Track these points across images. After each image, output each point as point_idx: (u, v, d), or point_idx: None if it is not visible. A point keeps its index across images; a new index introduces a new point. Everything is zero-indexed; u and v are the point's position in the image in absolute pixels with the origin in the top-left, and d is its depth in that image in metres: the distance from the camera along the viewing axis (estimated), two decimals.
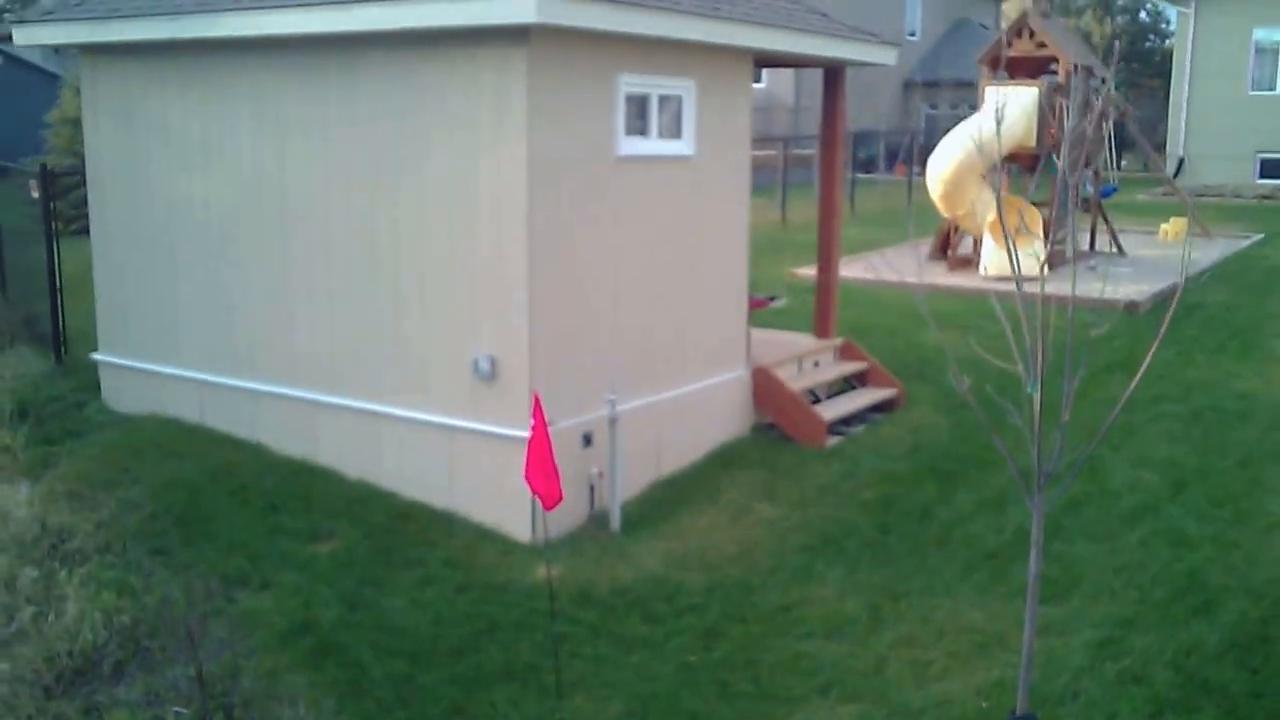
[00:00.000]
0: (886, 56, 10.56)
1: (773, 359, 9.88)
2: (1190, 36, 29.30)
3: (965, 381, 4.95)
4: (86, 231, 10.12)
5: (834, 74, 10.35)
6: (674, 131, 8.59)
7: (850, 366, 10.67)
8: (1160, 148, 37.50)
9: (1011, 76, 17.42)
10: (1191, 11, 29.08)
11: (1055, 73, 17.01)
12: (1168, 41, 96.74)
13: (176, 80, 8.93)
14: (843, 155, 11.09)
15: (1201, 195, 27.42)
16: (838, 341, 10.84)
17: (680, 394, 8.86)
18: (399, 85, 7.76)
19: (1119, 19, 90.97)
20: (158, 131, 9.22)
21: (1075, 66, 16.67)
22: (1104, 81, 18.02)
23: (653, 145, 8.36)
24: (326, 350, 8.55)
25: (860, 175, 35.10)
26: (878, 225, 24.12)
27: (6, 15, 57.28)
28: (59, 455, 9.05)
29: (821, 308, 10.85)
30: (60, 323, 11.00)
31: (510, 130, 7.29)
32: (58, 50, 31.43)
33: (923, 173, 41.09)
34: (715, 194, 9.07)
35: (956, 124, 46.29)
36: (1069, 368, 4.82)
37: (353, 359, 8.42)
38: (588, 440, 7.96)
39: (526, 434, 6.20)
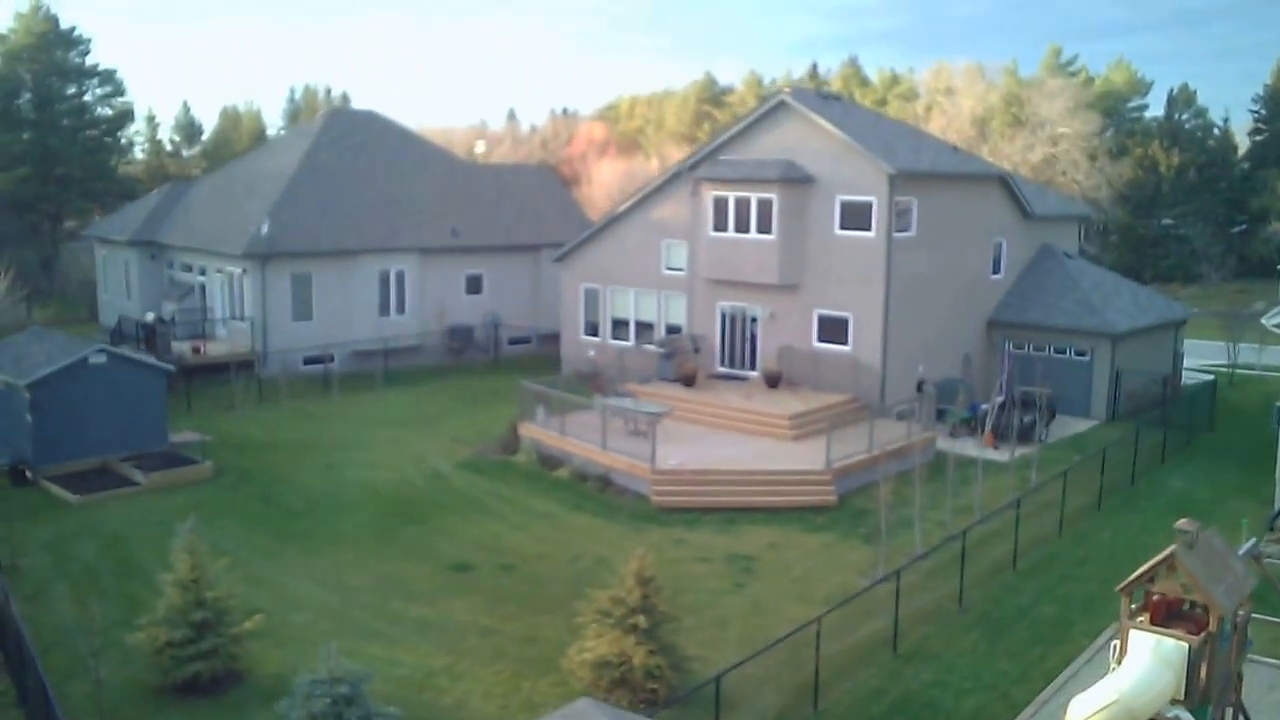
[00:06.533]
0: None
1: None
2: None
3: None
4: None
5: None
6: None
7: None
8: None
9: (1154, 613, 16.93)
10: None
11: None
12: (1235, 170, 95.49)
13: None
14: None
15: None
16: None
17: None
18: None
19: (1186, 150, 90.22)
20: None
21: (1226, 615, 16.24)
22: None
23: None
24: None
25: (947, 448, 34.52)
26: (995, 642, 21.99)
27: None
28: None
29: None
30: None
31: None
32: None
33: (1017, 441, 38.82)
34: None
35: (1037, 368, 44.37)
36: None
37: None
38: None
39: None
